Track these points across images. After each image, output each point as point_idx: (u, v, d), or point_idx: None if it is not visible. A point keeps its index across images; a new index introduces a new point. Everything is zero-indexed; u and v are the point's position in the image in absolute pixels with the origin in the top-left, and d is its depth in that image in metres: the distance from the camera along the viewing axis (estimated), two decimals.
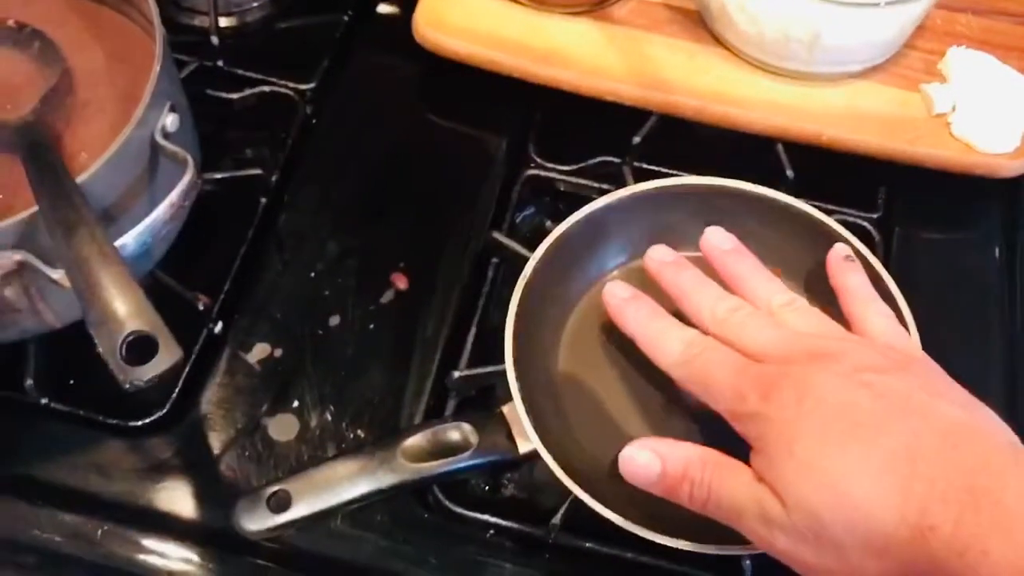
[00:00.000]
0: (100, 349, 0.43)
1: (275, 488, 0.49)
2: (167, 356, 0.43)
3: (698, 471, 0.44)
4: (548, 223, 0.67)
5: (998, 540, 0.35)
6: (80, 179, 0.49)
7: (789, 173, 0.65)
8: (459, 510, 0.55)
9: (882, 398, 0.41)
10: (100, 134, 0.57)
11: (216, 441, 0.58)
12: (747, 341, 0.46)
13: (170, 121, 0.53)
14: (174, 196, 0.51)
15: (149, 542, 0.54)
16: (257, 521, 0.48)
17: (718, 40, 0.67)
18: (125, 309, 0.44)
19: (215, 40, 0.70)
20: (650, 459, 0.45)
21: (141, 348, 0.44)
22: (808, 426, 0.41)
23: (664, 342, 0.49)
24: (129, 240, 0.52)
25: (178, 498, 0.56)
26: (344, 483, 0.49)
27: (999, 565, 0.35)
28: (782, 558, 0.42)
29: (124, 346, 0.43)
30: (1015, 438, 0.41)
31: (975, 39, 0.69)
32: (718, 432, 0.55)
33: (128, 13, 0.61)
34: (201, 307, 0.60)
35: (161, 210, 0.52)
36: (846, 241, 0.57)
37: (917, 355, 0.47)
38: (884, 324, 0.49)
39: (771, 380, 0.43)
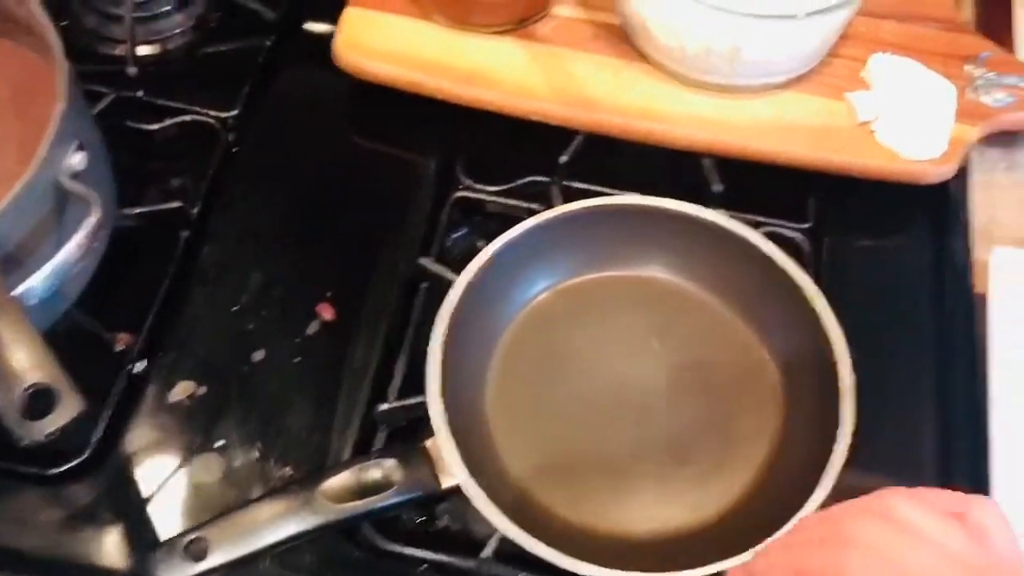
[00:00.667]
0: None
1: (192, 536, 0.47)
2: (68, 409, 0.41)
3: None
4: (480, 243, 0.66)
5: None
6: None
7: (717, 187, 0.64)
8: (390, 546, 0.54)
9: None
10: (7, 173, 0.55)
11: (139, 486, 0.56)
12: None
13: (77, 160, 0.52)
14: (80, 238, 0.49)
15: None
16: (174, 571, 0.47)
17: (642, 56, 0.67)
18: (24, 361, 0.42)
19: (132, 71, 0.68)
20: None
21: (42, 400, 0.43)
22: None
23: None
24: (36, 283, 0.50)
25: (100, 548, 0.54)
26: (264, 527, 0.48)
27: None
28: None
29: (23, 400, 0.42)
30: None
31: (899, 45, 0.69)
32: (649, 469, 0.55)
33: (34, 46, 0.59)
34: (119, 348, 0.58)
35: (68, 252, 0.50)
36: (770, 255, 0.57)
37: None
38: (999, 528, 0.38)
39: None
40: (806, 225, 0.66)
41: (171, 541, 0.48)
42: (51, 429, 0.41)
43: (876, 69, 0.66)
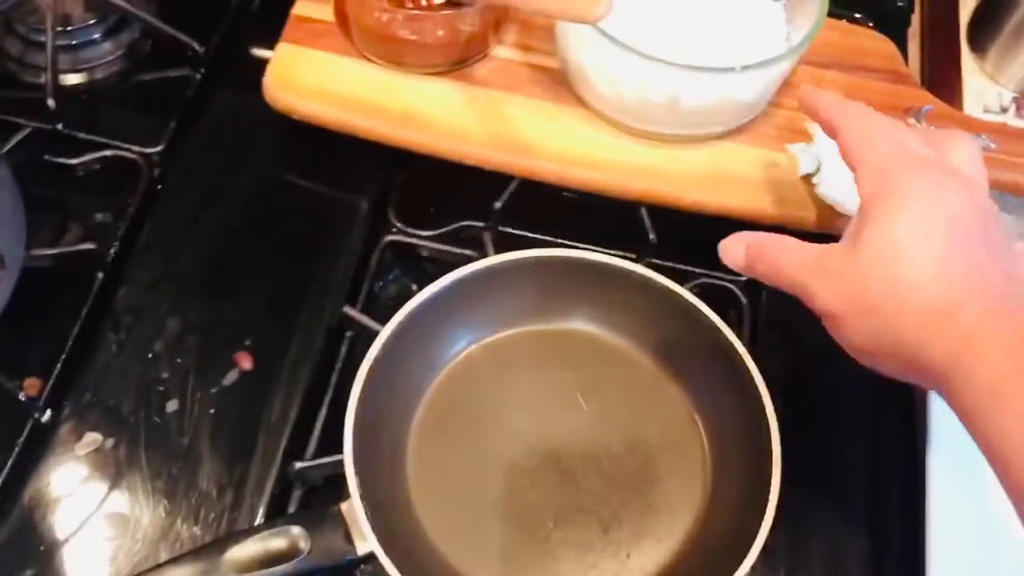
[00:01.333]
0: None
1: None
2: None
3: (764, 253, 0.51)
4: (414, 286, 0.64)
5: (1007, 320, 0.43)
6: None
7: (652, 237, 0.63)
8: None
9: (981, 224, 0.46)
10: None
11: (40, 540, 0.53)
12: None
13: None
14: None
15: None
16: None
17: (580, 101, 0.65)
18: None
19: (51, 103, 0.65)
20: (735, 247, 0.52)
21: None
22: (928, 211, 0.45)
23: None
24: None
25: None
26: None
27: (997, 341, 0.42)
28: (822, 314, 0.48)
29: None
30: None
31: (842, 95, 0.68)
32: (572, 535, 0.53)
33: None
34: (23, 398, 0.55)
35: None
36: (701, 312, 0.56)
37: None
38: (966, 156, 0.50)
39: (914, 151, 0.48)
40: (743, 277, 0.65)
41: None
42: None
43: None
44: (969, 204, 0.46)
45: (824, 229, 0.64)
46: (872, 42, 0.72)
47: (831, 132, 0.53)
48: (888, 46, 0.71)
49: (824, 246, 0.49)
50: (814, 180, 0.64)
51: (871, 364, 0.48)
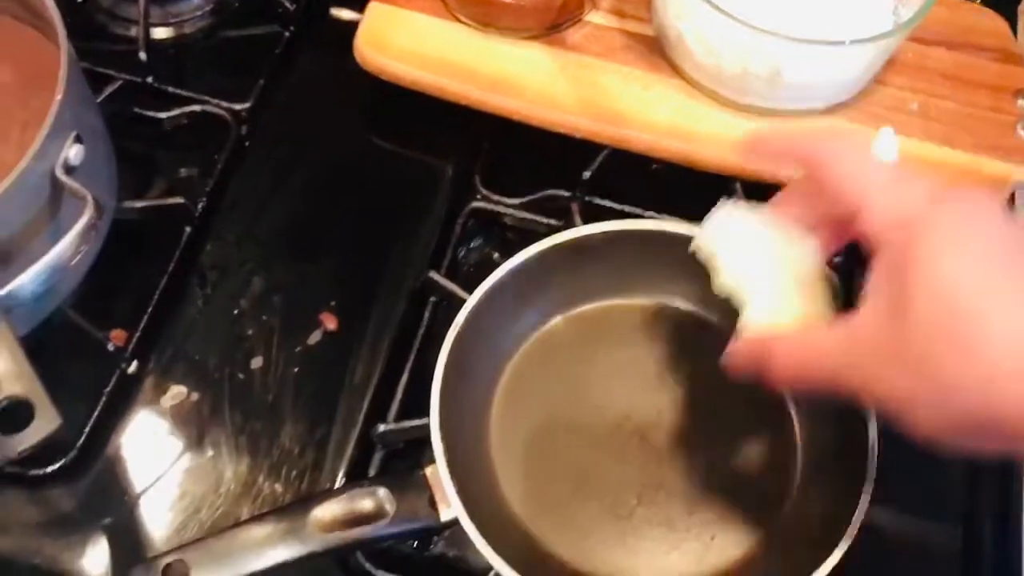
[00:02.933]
0: None
1: (171, 559, 0.45)
2: (44, 424, 0.39)
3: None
4: (496, 255, 0.64)
5: None
6: None
7: None
8: (381, 574, 0.52)
9: None
10: (3, 163, 0.53)
11: (124, 492, 0.54)
12: None
13: (73, 153, 0.50)
14: (71, 236, 0.47)
15: None
16: None
17: (675, 70, 0.63)
18: (1, 370, 0.40)
19: (143, 56, 0.65)
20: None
21: (17, 414, 0.40)
22: (967, 245, 0.35)
23: None
24: (25, 281, 0.48)
25: (78, 556, 0.52)
26: (248, 554, 0.46)
27: None
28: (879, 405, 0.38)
29: None
30: None
31: (947, 74, 0.65)
32: (655, 514, 0.52)
33: (42, 28, 0.57)
34: (112, 347, 0.56)
35: (61, 250, 0.48)
36: None
37: None
38: None
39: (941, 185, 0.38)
40: (837, 259, 0.63)
41: (149, 562, 0.45)
42: (24, 446, 0.39)
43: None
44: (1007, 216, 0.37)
45: None
46: (982, 18, 0.68)
47: (813, 166, 0.43)
48: (999, 23, 0.68)
49: (849, 322, 0.39)
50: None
51: (963, 447, 0.37)
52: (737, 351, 0.44)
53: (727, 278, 0.48)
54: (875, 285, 0.38)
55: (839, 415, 0.52)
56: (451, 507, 0.48)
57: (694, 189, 0.63)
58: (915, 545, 0.54)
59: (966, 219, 0.36)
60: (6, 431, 0.40)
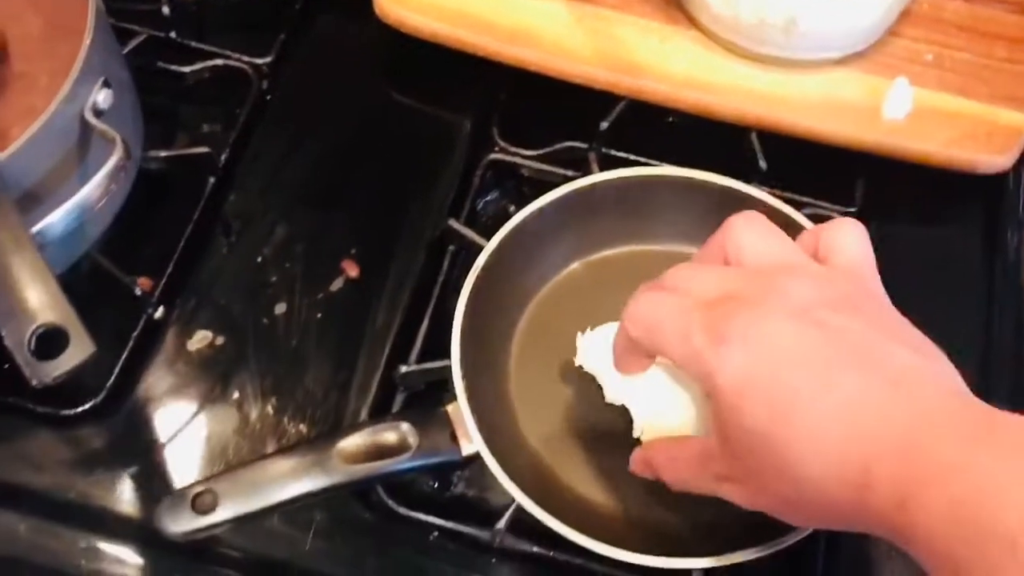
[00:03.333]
0: (7, 341, 0.41)
1: (201, 488, 0.46)
2: (78, 351, 0.40)
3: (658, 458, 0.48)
4: (512, 208, 0.64)
5: (935, 492, 0.34)
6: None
7: (762, 164, 0.62)
8: (402, 510, 0.53)
9: (833, 343, 0.39)
10: (32, 109, 0.54)
11: (152, 432, 0.55)
12: (694, 285, 0.43)
13: (102, 97, 0.51)
14: (100, 176, 0.48)
15: (75, 538, 0.52)
16: (180, 523, 0.46)
17: (692, 22, 0.64)
18: (36, 299, 0.41)
19: (166, 10, 0.66)
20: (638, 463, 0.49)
21: (52, 341, 0.41)
22: (757, 380, 0.39)
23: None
24: (55, 220, 0.49)
25: (109, 492, 0.53)
26: (275, 484, 0.47)
27: (935, 516, 0.34)
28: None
29: (33, 339, 0.41)
30: (962, 385, 0.40)
31: (963, 26, 0.66)
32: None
33: None
34: (139, 292, 0.57)
35: (89, 190, 0.49)
36: None
37: (872, 286, 0.45)
38: (848, 243, 0.45)
39: (717, 320, 0.40)
40: (852, 209, 0.63)
41: (179, 492, 0.47)
42: (60, 371, 0.40)
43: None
44: (829, 295, 0.40)
45: (938, 163, 0.62)
46: None
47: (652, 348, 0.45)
48: None
49: (702, 441, 0.45)
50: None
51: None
52: (633, 459, 0.49)
53: (612, 395, 0.51)
54: (711, 417, 0.42)
55: None
56: (472, 442, 0.49)
57: (711, 141, 0.64)
58: None
59: (750, 354, 0.39)
60: (42, 358, 0.41)
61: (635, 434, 0.51)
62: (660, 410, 0.50)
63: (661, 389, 0.50)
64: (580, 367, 0.53)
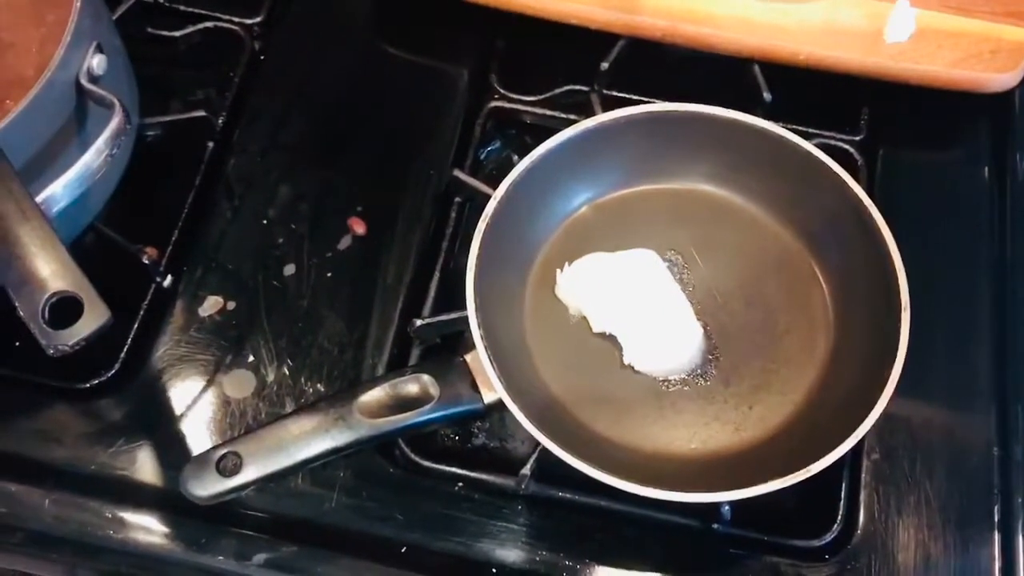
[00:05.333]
0: (21, 312, 0.40)
1: (225, 451, 0.46)
2: (93, 318, 0.40)
3: None
4: (515, 157, 0.64)
5: None
6: None
7: (767, 95, 0.61)
8: (425, 463, 0.53)
9: None
10: (25, 79, 0.53)
11: (169, 400, 0.55)
12: None
13: (96, 63, 0.50)
14: (100, 142, 0.47)
15: (101, 509, 0.52)
16: (206, 486, 0.46)
17: None
18: (47, 269, 0.41)
19: None
20: None
21: (66, 310, 0.41)
22: None
23: None
24: (58, 190, 0.48)
25: (131, 462, 0.53)
26: (298, 443, 0.47)
27: None
28: None
29: (47, 308, 0.40)
30: None
31: None
32: (692, 388, 0.53)
33: None
34: (147, 261, 0.56)
35: (89, 157, 0.48)
36: (827, 166, 0.54)
37: None
38: None
39: None
40: (859, 137, 0.63)
41: (203, 456, 0.46)
42: (76, 339, 0.39)
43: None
44: None
45: (944, 84, 0.61)
46: None
47: None
48: None
49: None
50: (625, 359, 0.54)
51: None
52: None
53: (599, 326, 0.53)
54: None
55: (869, 285, 0.52)
56: (493, 390, 0.49)
57: (714, 76, 0.63)
58: (948, 434, 0.54)
59: None
60: (57, 327, 0.40)
61: (625, 360, 0.52)
62: (648, 335, 0.51)
63: (646, 316, 0.50)
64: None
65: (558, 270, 0.54)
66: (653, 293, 0.53)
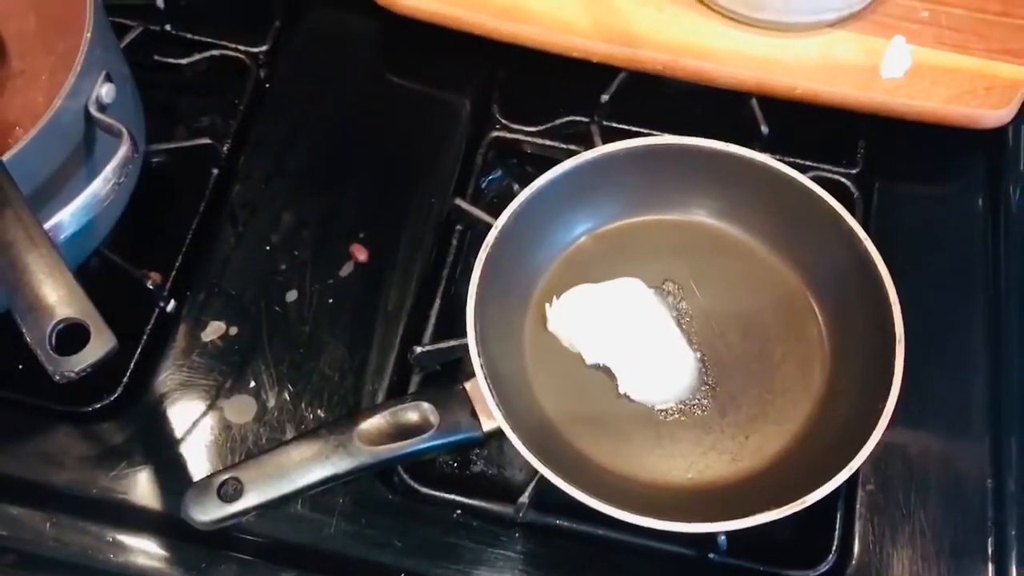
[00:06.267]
0: (28, 338, 0.41)
1: (226, 476, 0.47)
2: (99, 345, 0.40)
3: None
4: (516, 186, 0.65)
5: None
6: (6, 157, 0.46)
7: (764, 129, 0.62)
8: (424, 490, 0.53)
9: None
10: (35, 106, 0.54)
11: (171, 425, 0.55)
12: None
13: (105, 91, 0.50)
14: (108, 171, 0.48)
15: (102, 532, 0.52)
16: (207, 511, 0.46)
17: None
18: (54, 295, 0.41)
19: (160, 3, 0.66)
20: None
21: (72, 336, 0.42)
22: None
23: None
24: (65, 217, 0.49)
25: (132, 486, 0.53)
26: (299, 469, 0.47)
27: None
28: None
29: (54, 335, 0.41)
30: None
31: None
32: (689, 418, 0.53)
33: None
34: (151, 286, 0.57)
35: (97, 185, 0.49)
36: (822, 199, 0.55)
37: None
38: None
39: None
40: (855, 170, 0.64)
41: (204, 481, 0.47)
42: (82, 365, 0.40)
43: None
44: None
45: (939, 119, 0.62)
46: None
47: None
48: None
49: None
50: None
51: None
52: None
53: (592, 358, 0.54)
54: None
55: (863, 316, 0.53)
56: (492, 417, 0.49)
57: (712, 109, 0.64)
58: (943, 465, 0.55)
59: None
60: (64, 353, 0.41)
61: (620, 390, 0.53)
62: (641, 364, 0.52)
63: (638, 345, 0.51)
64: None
65: (547, 304, 0.55)
66: (643, 321, 0.54)
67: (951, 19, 0.64)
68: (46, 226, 0.48)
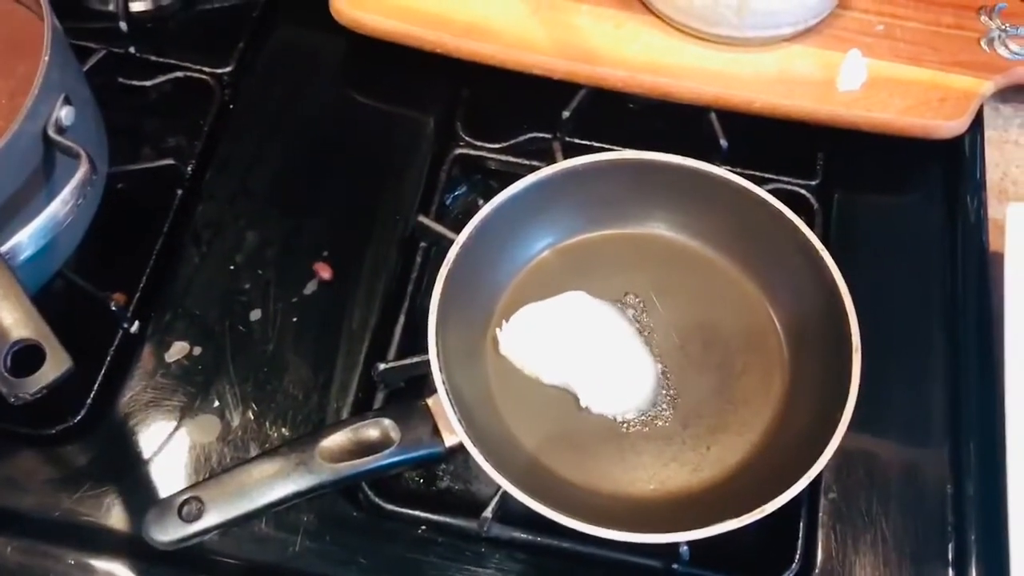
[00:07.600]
0: None
1: (187, 496, 0.47)
2: (55, 366, 0.40)
3: None
4: (480, 202, 0.65)
5: None
6: None
7: (723, 143, 0.63)
8: (389, 506, 0.53)
9: None
10: None
11: (135, 446, 0.55)
12: None
13: (64, 114, 0.51)
14: (67, 192, 0.48)
15: (65, 556, 0.52)
16: (168, 531, 0.46)
17: (646, 6, 0.65)
18: (10, 318, 0.41)
19: (124, 26, 0.66)
20: None
21: (30, 358, 0.42)
22: None
23: None
24: (24, 239, 0.49)
25: (96, 508, 0.53)
26: (260, 487, 0.47)
27: None
28: None
29: (9, 357, 0.41)
30: None
31: None
32: (651, 430, 0.53)
33: (22, 0, 0.58)
34: (115, 307, 0.57)
35: (56, 207, 0.49)
36: (780, 211, 0.56)
37: None
38: None
39: None
40: (815, 182, 0.64)
41: (165, 501, 0.47)
42: (38, 387, 0.40)
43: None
44: None
45: (895, 131, 0.63)
46: None
47: None
48: None
49: None
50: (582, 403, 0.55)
51: None
52: None
53: (548, 379, 0.54)
54: None
55: (822, 328, 0.54)
56: (454, 433, 0.49)
57: (672, 124, 0.65)
58: (903, 472, 0.55)
59: None
60: (20, 375, 0.41)
61: (582, 404, 0.53)
62: (599, 376, 0.52)
63: (594, 358, 0.52)
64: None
65: (497, 329, 0.55)
66: (596, 333, 0.54)
67: (905, 32, 0.65)
68: (3, 248, 0.48)
